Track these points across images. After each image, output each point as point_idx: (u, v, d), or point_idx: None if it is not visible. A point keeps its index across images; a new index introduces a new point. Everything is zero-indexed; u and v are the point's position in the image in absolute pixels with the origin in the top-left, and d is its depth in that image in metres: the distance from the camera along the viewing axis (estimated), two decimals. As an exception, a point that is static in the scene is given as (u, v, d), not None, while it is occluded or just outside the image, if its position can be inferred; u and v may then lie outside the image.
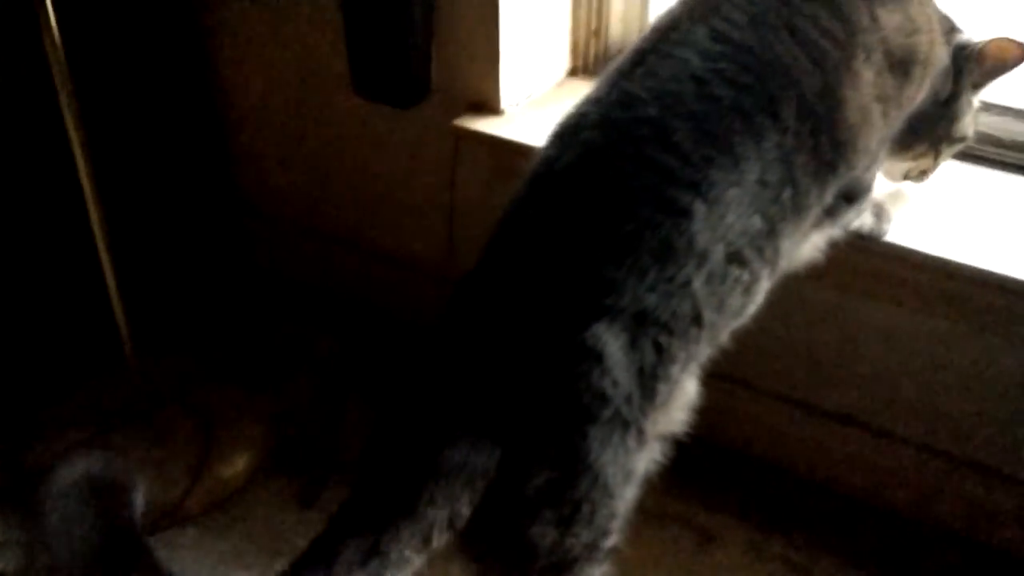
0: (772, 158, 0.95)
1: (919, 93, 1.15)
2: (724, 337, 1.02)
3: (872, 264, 1.33)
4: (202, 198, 1.97)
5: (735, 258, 0.95)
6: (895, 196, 1.34)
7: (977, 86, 1.24)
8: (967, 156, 1.41)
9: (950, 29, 1.21)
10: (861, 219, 1.23)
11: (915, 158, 1.27)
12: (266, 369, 1.78)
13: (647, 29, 1.09)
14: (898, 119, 1.14)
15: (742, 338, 1.06)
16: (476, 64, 1.55)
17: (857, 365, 1.45)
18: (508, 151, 1.53)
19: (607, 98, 0.98)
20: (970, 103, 1.25)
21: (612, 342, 0.88)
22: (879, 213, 1.27)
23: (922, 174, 1.30)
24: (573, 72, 1.71)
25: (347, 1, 1.57)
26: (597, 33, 1.69)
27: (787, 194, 0.97)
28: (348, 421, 1.70)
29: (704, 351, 0.98)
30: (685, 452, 1.03)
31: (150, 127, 1.82)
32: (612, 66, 1.04)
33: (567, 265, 0.91)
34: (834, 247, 1.19)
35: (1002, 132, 1.43)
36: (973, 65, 1.20)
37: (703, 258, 0.91)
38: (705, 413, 1.03)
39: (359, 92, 1.65)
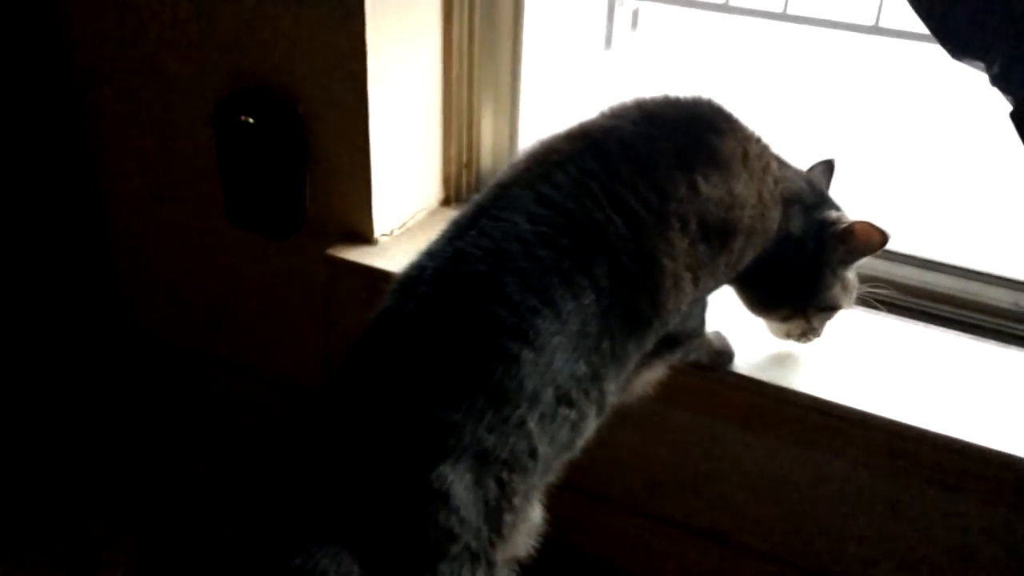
0: (591, 312, 1.03)
1: (741, 261, 1.21)
2: (557, 467, 1.08)
3: (720, 391, 1.41)
4: (83, 320, 1.96)
5: (564, 399, 1.02)
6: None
7: (845, 263, 1.30)
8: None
9: (816, 204, 1.29)
10: (697, 355, 1.32)
11: (784, 319, 1.35)
12: (143, 491, 1.76)
13: (488, 184, 1.17)
14: (715, 284, 1.22)
15: (606, 457, 1.12)
16: (349, 195, 1.62)
17: (714, 484, 1.52)
18: (381, 279, 1.58)
19: (443, 254, 1.06)
20: (838, 275, 1.30)
21: (457, 481, 0.94)
22: (719, 350, 1.36)
23: (803, 336, 1.36)
24: (445, 201, 1.79)
25: (219, 132, 1.63)
26: (468, 165, 1.78)
27: (606, 344, 1.06)
28: (223, 541, 1.69)
29: (542, 481, 1.05)
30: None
31: (33, 259, 1.82)
32: (451, 220, 1.13)
33: (412, 410, 0.97)
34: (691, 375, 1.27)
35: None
36: (837, 243, 1.27)
37: (534, 400, 0.99)
38: (562, 525, 1.09)
39: (233, 222, 1.70)
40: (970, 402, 1.31)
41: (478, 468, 0.95)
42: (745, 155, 1.19)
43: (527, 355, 0.98)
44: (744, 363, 1.38)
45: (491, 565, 0.98)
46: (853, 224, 1.27)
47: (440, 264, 1.05)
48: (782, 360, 1.39)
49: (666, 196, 1.10)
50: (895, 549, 1.40)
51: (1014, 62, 0.83)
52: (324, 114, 1.57)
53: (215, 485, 1.83)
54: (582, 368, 1.03)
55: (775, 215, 1.23)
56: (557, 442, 1.03)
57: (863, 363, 1.39)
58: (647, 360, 1.17)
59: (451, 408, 0.95)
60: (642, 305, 1.09)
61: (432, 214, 1.76)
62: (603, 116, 1.20)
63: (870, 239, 1.27)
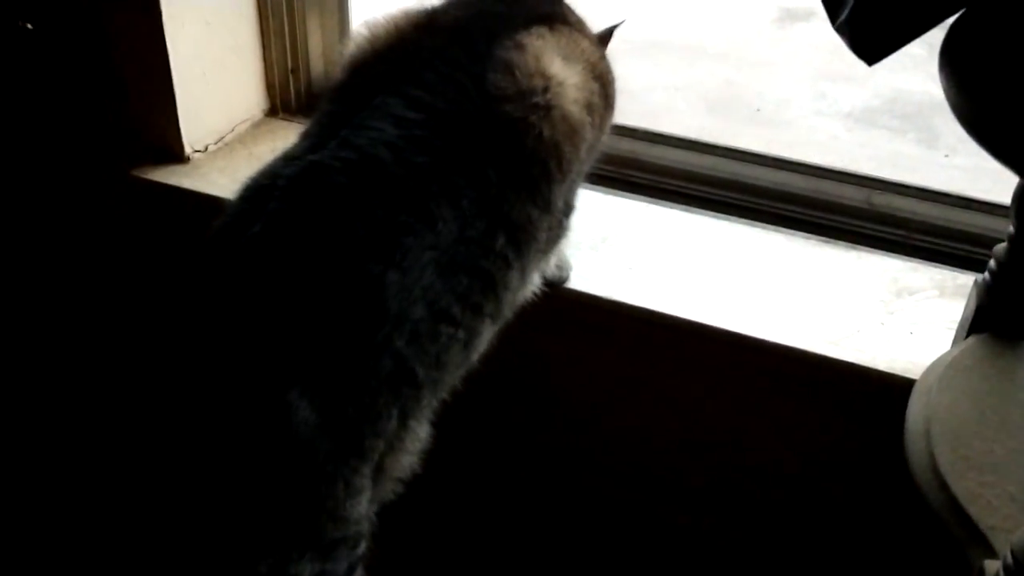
0: (474, 213, 0.97)
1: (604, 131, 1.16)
2: (452, 382, 1.04)
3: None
4: None
5: (443, 317, 0.96)
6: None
7: None
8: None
9: None
10: (558, 257, 1.23)
11: None
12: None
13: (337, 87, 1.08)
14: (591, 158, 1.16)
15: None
16: (151, 108, 1.45)
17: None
18: (193, 202, 1.44)
19: (299, 165, 0.96)
20: None
21: (304, 408, 0.87)
22: (561, 261, 1.26)
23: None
24: (272, 112, 1.64)
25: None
26: (295, 71, 1.62)
27: (499, 242, 0.99)
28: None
29: (429, 401, 1.01)
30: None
31: None
32: (305, 131, 1.05)
33: (260, 333, 0.89)
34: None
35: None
36: None
37: (400, 320, 0.92)
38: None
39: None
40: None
41: (331, 394, 0.89)
42: (581, 23, 1.16)
43: (392, 276, 0.91)
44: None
45: (348, 485, 0.92)
46: None
47: (294, 177, 0.94)
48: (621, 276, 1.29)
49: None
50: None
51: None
52: (111, 13, 1.39)
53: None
54: (463, 281, 0.97)
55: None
56: (445, 363, 0.98)
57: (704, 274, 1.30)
58: (547, 247, 1.11)
59: (298, 337, 0.88)
60: (539, 185, 1.03)
61: (256, 125, 1.61)
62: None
63: None
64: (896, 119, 2.85)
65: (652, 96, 3.08)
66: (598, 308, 1.26)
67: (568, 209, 1.15)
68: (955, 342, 1.02)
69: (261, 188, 0.96)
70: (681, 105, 3.13)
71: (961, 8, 0.72)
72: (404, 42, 1.06)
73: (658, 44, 3.53)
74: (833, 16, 0.75)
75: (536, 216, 1.04)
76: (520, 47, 1.04)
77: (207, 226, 1.35)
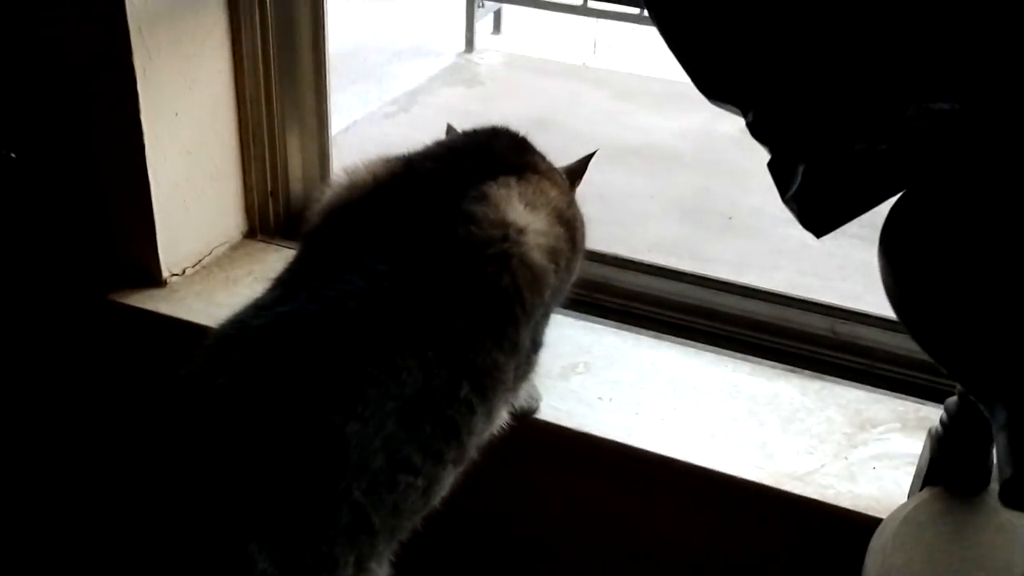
0: (438, 363, 0.98)
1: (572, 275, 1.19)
2: (412, 526, 1.03)
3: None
4: None
5: (402, 466, 0.96)
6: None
7: None
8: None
9: None
10: (527, 390, 1.23)
11: None
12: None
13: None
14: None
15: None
16: (130, 231, 1.47)
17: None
18: (169, 328, 1.45)
19: (268, 316, 0.98)
20: None
21: (264, 558, 0.87)
22: (530, 393, 1.27)
23: None
24: (251, 233, 1.66)
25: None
26: (274, 193, 1.66)
27: (463, 391, 1.00)
28: None
29: (388, 545, 1.00)
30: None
31: None
32: (277, 279, 1.08)
33: (221, 484, 0.89)
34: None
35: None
36: None
37: (360, 471, 0.92)
38: None
39: None
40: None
41: (289, 545, 0.88)
42: (551, 171, 1.21)
43: (352, 427, 0.91)
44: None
45: None
46: None
47: (262, 329, 0.97)
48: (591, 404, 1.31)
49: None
50: None
51: (767, 113, 0.76)
52: (94, 143, 1.43)
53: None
54: (426, 429, 0.97)
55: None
56: (403, 510, 0.98)
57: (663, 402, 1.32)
58: (514, 385, 1.12)
59: (258, 489, 0.88)
60: (506, 330, 1.05)
61: (234, 248, 1.63)
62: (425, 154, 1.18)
63: None
64: (865, 228, 2.92)
65: (627, 203, 3.16)
66: (568, 439, 1.28)
67: (536, 346, 1.17)
68: (911, 493, 1.04)
69: (229, 339, 0.98)
70: (655, 212, 3.20)
71: (902, 189, 0.76)
72: (379, 193, 1.10)
73: (634, 151, 3.63)
74: (783, 190, 0.79)
75: (503, 361, 1.05)
76: (484, 197, 1.08)
77: (181, 352, 1.38)
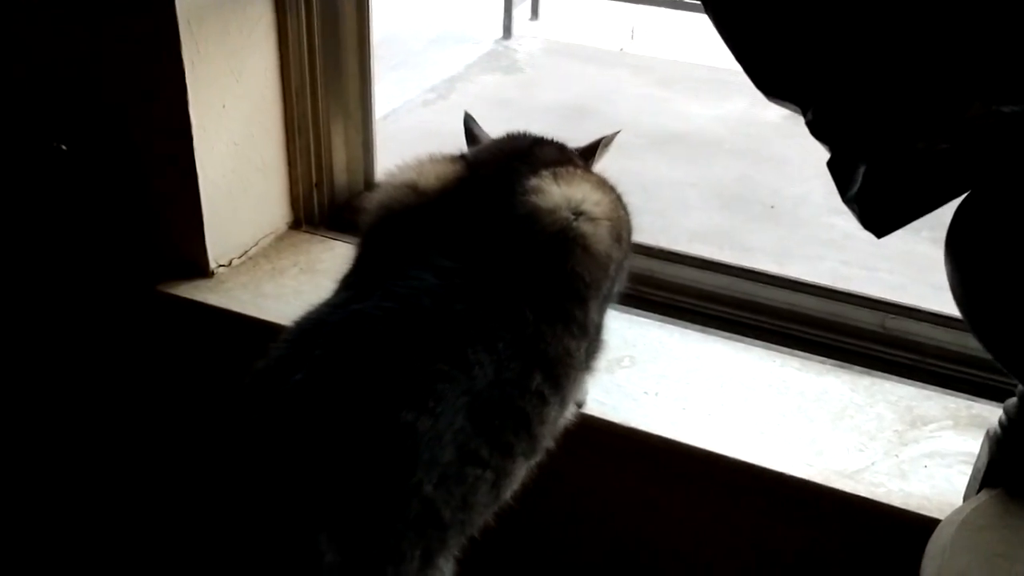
0: (509, 355, 0.99)
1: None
2: (482, 521, 1.04)
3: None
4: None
5: (471, 459, 0.97)
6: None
7: None
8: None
9: None
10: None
11: None
12: None
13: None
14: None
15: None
16: (177, 222, 1.49)
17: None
18: (216, 318, 1.47)
19: (342, 316, 1.00)
20: None
21: (332, 550, 0.88)
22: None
23: None
24: (296, 224, 1.67)
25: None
26: (319, 185, 1.66)
27: (537, 380, 1.01)
28: None
29: (457, 540, 1.01)
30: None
31: None
32: (344, 280, 1.11)
33: (296, 478, 0.90)
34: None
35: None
36: None
37: (430, 465, 0.93)
38: None
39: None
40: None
41: (359, 538, 0.90)
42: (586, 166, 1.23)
43: (424, 423, 0.93)
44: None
45: None
46: None
47: (339, 325, 0.99)
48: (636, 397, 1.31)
49: None
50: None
51: (827, 111, 0.74)
52: (143, 135, 1.44)
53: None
54: (495, 422, 0.98)
55: None
56: (473, 504, 0.99)
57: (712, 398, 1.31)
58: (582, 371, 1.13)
59: (331, 483, 0.90)
60: (574, 312, 1.06)
61: (280, 238, 1.64)
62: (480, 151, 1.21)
63: None
64: (911, 218, 2.88)
65: (668, 192, 3.14)
66: (614, 433, 1.27)
67: (600, 327, 1.17)
68: (967, 495, 1.03)
69: (306, 334, 1.00)
70: (696, 201, 3.17)
71: (965, 191, 0.74)
72: (447, 196, 1.12)
73: (674, 139, 3.60)
74: (843, 190, 0.77)
75: (573, 346, 1.07)
76: (537, 187, 1.10)
77: (228, 342, 1.39)
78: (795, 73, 0.77)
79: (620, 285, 1.20)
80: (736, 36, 0.79)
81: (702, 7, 0.83)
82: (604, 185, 1.18)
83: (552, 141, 1.24)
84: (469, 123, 1.28)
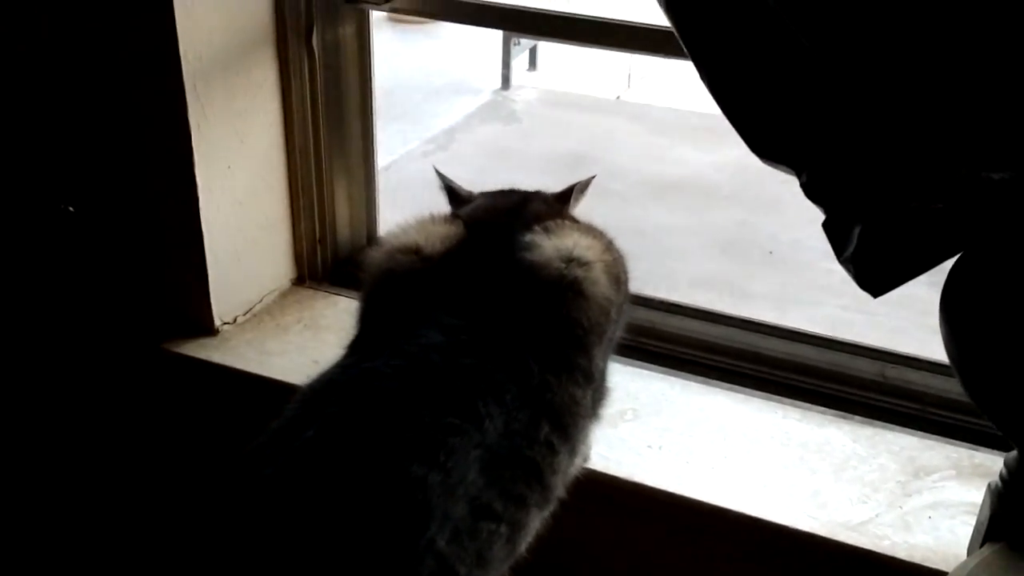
0: (517, 405, 1.00)
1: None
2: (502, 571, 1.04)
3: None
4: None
5: (484, 513, 0.97)
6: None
7: None
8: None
9: None
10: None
11: None
12: None
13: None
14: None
15: None
16: (182, 281, 1.50)
17: None
18: (221, 376, 1.48)
19: (352, 375, 1.03)
20: None
21: None
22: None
23: None
24: (299, 281, 1.69)
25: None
26: (323, 241, 1.68)
27: (545, 430, 1.02)
28: None
29: None
30: None
31: None
32: (353, 343, 1.12)
33: (309, 537, 0.90)
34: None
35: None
36: None
37: (443, 521, 0.93)
38: None
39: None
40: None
41: None
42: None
43: (435, 478, 0.93)
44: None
45: None
46: None
47: (349, 383, 1.02)
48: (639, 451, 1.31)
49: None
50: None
51: (821, 175, 0.76)
52: (149, 196, 1.46)
53: None
54: (506, 474, 0.99)
55: None
56: (489, 559, 0.98)
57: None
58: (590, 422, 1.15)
59: (344, 541, 0.89)
60: (577, 360, 1.08)
61: (284, 295, 1.66)
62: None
63: None
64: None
65: (666, 239, 3.16)
66: (618, 488, 1.28)
67: (604, 373, 1.19)
68: (971, 548, 1.03)
69: (317, 393, 1.02)
70: (694, 247, 3.20)
71: (961, 250, 0.76)
72: (449, 258, 1.14)
73: (672, 185, 3.63)
74: (839, 251, 0.79)
75: (579, 394, 1.08)
76: (533, 243, 1.13)
77: (233, 400, 1.40)
78: (789, 137, 0.79)
79: (620, 330, 1.21)
80: (730, 101, 0.81)
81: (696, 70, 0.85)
82: (592, 231, 1.21)
83: (538, 194, 1.27)
84: (445, 180, 1.30)
